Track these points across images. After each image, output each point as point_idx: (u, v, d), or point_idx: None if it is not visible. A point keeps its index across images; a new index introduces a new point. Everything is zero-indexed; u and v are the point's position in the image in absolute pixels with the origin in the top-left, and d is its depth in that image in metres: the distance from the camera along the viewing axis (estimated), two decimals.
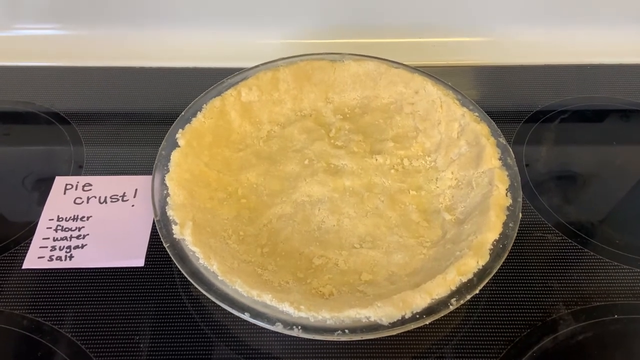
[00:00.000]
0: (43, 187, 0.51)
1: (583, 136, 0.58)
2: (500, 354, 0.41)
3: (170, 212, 0.43)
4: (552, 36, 0.66)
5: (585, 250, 0.48)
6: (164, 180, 0.46)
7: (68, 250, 0.45)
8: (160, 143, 0.48)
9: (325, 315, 0.38)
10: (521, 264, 0.46)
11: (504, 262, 0.40)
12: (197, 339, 0.42)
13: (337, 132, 0.54)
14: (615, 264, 0.46)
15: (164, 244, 0.42)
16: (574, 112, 0.60)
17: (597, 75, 0.63)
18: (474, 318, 0.43)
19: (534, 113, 0.59)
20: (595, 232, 0.49)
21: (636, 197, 0.52)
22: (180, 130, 0.49)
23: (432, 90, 0.53)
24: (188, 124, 0.50)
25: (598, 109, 0.61)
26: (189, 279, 0.40)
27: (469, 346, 0.42)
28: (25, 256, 0.45)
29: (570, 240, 0.48)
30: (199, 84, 0.55)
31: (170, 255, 0.41)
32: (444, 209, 0.48)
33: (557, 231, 0.49)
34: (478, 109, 0.51)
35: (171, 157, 0.47)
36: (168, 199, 0.44)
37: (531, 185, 0.52)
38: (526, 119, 0.59)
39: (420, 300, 0.38)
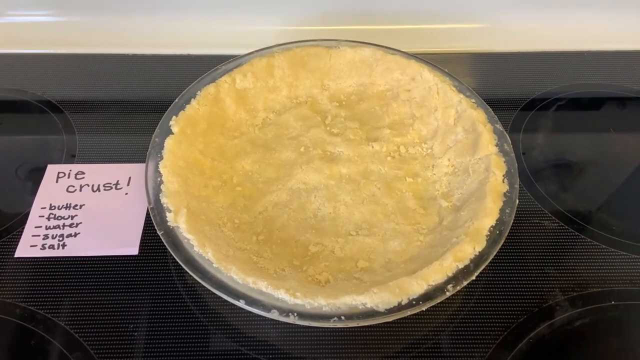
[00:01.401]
0: (35, 176, 0.50)
1: (580, 123, 0.58)
2: (497, 340, 0.41)
3: (164, 200, 0.43)
4: (549, 23, 0.65)
5: (582, 236, 0.47)
6: (157, 167, 0.45)
7: (61, 238, 0.45)
8: (154, 131, 0.48)
9: (321, 302, 0.37)
10: (518, 250, 0.46)
11: (500, 249, 0.40)
12: (192, 327, 0.42)
13: (333, 120, 0.54)
14: (612, 250, 0.46)
15: (158, 232, 0.41)
16: (571, 100, 0.59)
17: (594, 62, 0.63)
18: (471, 304, 0.43)
19: (531, 100, 0.59)
20: (592, 219, 0.49)
21: (633, 184, 0.52)
22: (174, 117, 0.48)
23: (428, 77, 0.53)
24: (182, 111, 0.49)
25: (595, 96, 0.60)
26: (183, 266, 0.40)
27: (466, 332, 0.41)
28: (17, 245, 0.45)
29: (567, 227, 0.48)
30: (193, 71, 0.54)
31: (165, 243, 0.41)
32: (441, 196, 0.47)
33: (554, 218, 0.49)
34: (475, 95, 0.51)
35: (165, 145, 0.46)
36: (162, 187, 0.44)
37: (528, 173, 0.52)
38: (523, 107, 0.58)
39: (416, 286, 0.38)
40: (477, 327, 0.42)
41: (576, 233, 0.48)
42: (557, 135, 0.56)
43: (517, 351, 0.40)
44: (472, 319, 0.42)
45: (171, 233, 0.41)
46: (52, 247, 0.44)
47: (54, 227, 0.45)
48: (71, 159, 0.52)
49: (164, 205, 0.42)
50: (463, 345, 0.41)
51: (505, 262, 0.45)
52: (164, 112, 0.49)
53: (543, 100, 0.59)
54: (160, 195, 0.43)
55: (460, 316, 0.42)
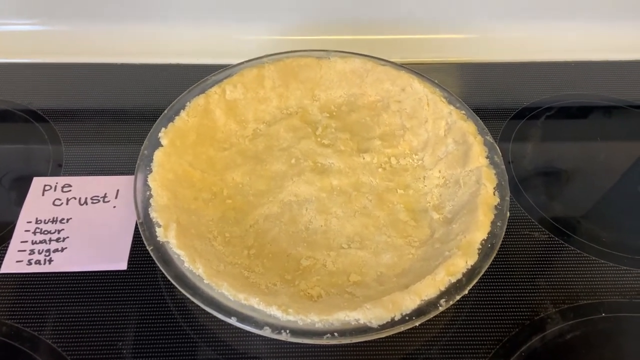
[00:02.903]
0: (20, 188, 0.49)
1: (569, 133, 0.58)
2: (489, 354, 0.41)
3: (153, 214, 0.42)
4: (537, 33, 0.66)
5: (572, 248, 0.48)
6: (146, 181, 0.45)
7: (47, 253, 0.44)
8: (142, 141, 0.47)
9: (314, 319, 0.37)
10: (508, 262, 0.46)
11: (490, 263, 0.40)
12: (182, 344, 0.41)
13: (323, 130, 0.53)
14: (602, 261, 0.47)
15: (147, 247, 0.41)
16: (560, 109, 0.60)
17: (582, 72, 0.63)
18: (462, 318, 0.43)
19: (520, 110, 0.59)
20: (581, 230, 0.49)
21: (621, 194, 0.53)
22: (163, 129, 0.48)
23: (418, 88, 0.53)
24: (171, 123, 0.48)
25: (583, 106, 0.61)
26: (173, 283, 0.39)
27: (458, 346, 0.41)
28: (2, 260, 0.44)
29: (556, 238, 0.48)
30: (182, 81, 0.54)
31: (154, 258, 0.40)
32: (432, 208, 0.47)
33: (543, 229, 0.49)
34: (465, 106, 0.51)
35: (154, 157, 0.46)
36: (151, 200, 0.43)
37: (517, 181, 0.52)
38: (512, 116, 0.59)
39: (409, 301, 0.38)
40: (469, 341, 0.42)
41: (566, 245, 0.48)
42: (546, 144, 0.57)
43: None
44: (464, 332, 0.42)
45: (161, 248, 0.41)
46: (38, 262, 0.43)
47: (40, 242, 0.45)
48: (58, 169, 0.51)
49: (154, 220, 0.42)
50: None
51: (496, 275, 0.45)
52: (153, 122, 0.49)
53: (532, 110, 0.59)
54: (149, 209, 0.43)
55: (452, 330, 0.42)
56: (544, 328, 0.42)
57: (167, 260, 0.40)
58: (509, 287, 0.45)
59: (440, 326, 0.42)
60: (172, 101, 0.50)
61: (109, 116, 0.57)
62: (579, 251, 0.47)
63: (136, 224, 0.45)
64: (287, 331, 0.37)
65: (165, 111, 0.50)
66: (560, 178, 0.54)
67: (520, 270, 0.46)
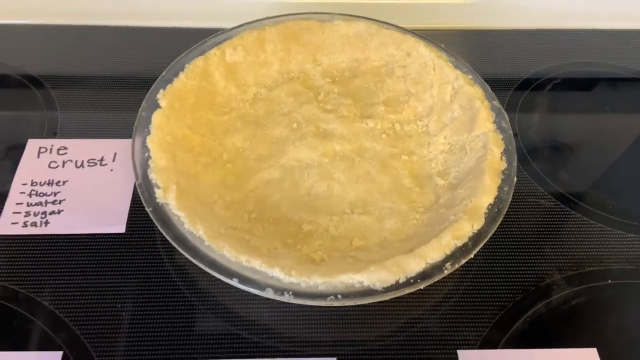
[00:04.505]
0: (13, 153, 0.48)
1: (575, 103, 0.57)
2: (494, 319, 0.40)
3: (152, 176, 0.41)
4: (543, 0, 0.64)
5: (579, 215, 0.47)
6: (145, 142, 0.43)
7: (44, 215, 0.43)
8: (138, 106, 0.45)
9: (317, 281, 0.36)
10: (514, 229, 0.45)
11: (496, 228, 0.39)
12: (180, 306, 0.40)
13: (326, 96, 0.52)
14: (609, 229, 0.46)
15: (147, 208, 0.40)
16: (567, 79, 0.59)
17: (590, 41, 0.62)
18: (467, 284, 0.42)
19: (525, 79, 0.58)
20: (588, 198, 0.48)
21: (628, 163, 0.52)
22: (161, 90, 0.46)
23: (424, 53, 0.51)
24: (170, 85, 0.47)
25: (590, 76, 0.60)
26: (173, 244, 0.38)
27: (462, 312, 0.41)
28: None
29: (563, 206, 0.47)
30: (179, 44, 0.52)
31: (154, 220, 0.39)
32: (437, 174, 0.46)
33: (550, 197, 0.48)
34: (472, 72, 0.50)
35: (152, 119, 0.45)
36: (150, 162, 0.42)
37: (524, 151, 0.51)
38: (517, 86, 0.57)
39: (414, 264, 0.37)
40: (474, 306, 0.41)
41: (573, 212, 0.47)
42: (552, 114, 0.56)
43: (513, 330, 0.40)
44: (468, 298, 0.42)
45: (160, 210, 0.40)
46: (34, 224, 0.42)
47: (36, 204, 0.44)
48: (52, 135, 0.50)
49: (153, 182, 0.41)
50: (459, 325, 0.40)
51: (502, 241, 0.44)
52: (148, 88, 0.47)
53: (538, 79, 0.58)
54: (148, 170, 0.42)
55: (456, 295, 0.42)
56: (550, 294, 0.42)
57: (167, 221, 0.39)
58: (515, 253, 0.44)
59: (444, 291, 0.42)
60: (168, 65, 0.49)
61: (104, 81, 0.56)
62: (585, 219, 0.47)
63: (134, 187, 0.45)
64: (290, 292, 0.36)
65: (164, 73, 0.48)
66: (567, 148, 0.53)
67: (526, 237, 0.45)
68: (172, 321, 0.40)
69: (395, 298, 0.37)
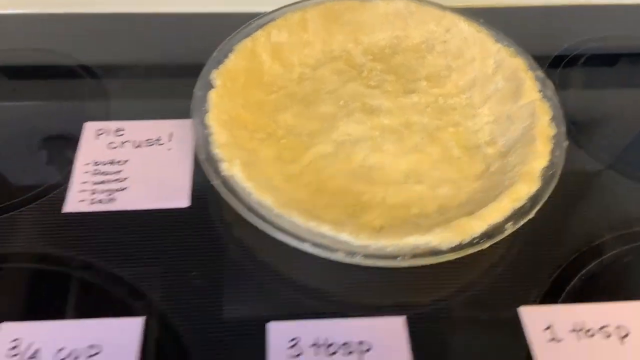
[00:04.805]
0: (71, 138, 0.49)
1: (613, 78, 0.59)
2: (550, 278, 0.42)
3: (216, 151, 0.42)
4: None
5: (629, 180, 0.49)
6: (202, 120, 0.45)
7: (109, 193, 0.44)
8: (184, 90, 0.47)
9: (385, 243, 0.38)
10: (564, 193, 0.46)
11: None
12: (248, 271, 0.42)
13: (369, 73, 0.53)
14: None
15: (214, 182, 0.41)
16: (601, 55, 0.60)
17: (621, 16, 0.63)
18: (518, 246, 0.44)
19: (559, 54, 0.59)
20: (633, 162, 0.50)
21: None
22: (214, 70, 0.48)
23: (464, 28, 0.53)
24: (222, 64, 0.48)
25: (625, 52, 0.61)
26: (243, 215, 0.39)
27: (519, 272, 0.42)
28: (64, 201, 0.44)
29: (612, 172, 0.49)
30: (221, 30, 0.53)
31: (221, 193, 0.41)
32: (485, 144, 0.48)
33: (598, 162, 0.50)
34: (513, 44, 0.51)
35: (208, 98, 0.46)
36: (210, 139, 0.43)
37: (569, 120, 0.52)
38: (551, 61, 0.58)
39: (477, 226, 0.39)
40: (530, 267, 0.42)
41: (623, 177, 0.49)
42: (591, 90, 0.57)
43: (570, 288, 0.41)
44: (524, 259, 0.43)
45: (227, 183, 0.41)
46: (100, 201, 0.44)
47: (101, 182, 0.45)
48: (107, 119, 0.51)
49: (217, 156, 0.42)
50: (517, 284, 0.42)
51: (553, 204, 0.45)
52: (192, 72, 0.48)
53: (570, 55, 0.59)
54: (210, 147, 0.43)
55: (511, 256, 0.43)
56: (602, 253, 0.43)
57: (235, 193, 0.40)
58: (566, 216, 0.45)
59: (500, 253, 0.43)
60: (211, 50, 0.50)
61: (150, 68, 0.57)
62: (632, 182, 0.48)
63: (193, 164, 0.46)
64: (360, 255, 0.37)
65: (215, 53, 0.49)
66: (615, 118, 0.54)
67: (577, 201, 0.46)
68: (240, 285, 0.41)
69: (457, 259, 0.38)
